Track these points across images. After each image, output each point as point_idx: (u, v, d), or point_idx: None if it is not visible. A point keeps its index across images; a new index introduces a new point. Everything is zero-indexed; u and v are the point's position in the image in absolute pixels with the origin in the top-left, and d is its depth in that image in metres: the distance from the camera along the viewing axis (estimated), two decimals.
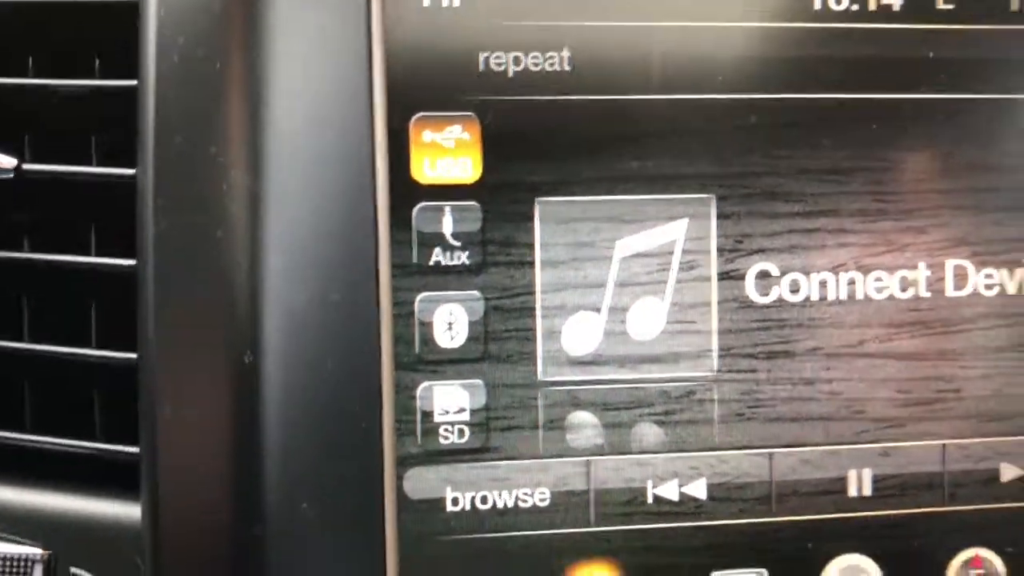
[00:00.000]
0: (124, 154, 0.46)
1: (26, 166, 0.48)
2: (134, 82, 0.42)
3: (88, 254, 0.48)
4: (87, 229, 0.49)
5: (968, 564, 0.49)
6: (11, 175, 0.46)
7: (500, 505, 0.45)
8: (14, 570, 0.42)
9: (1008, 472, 0.49)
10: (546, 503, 0.46)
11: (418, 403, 0.44)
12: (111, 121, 0.47)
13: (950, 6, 0.46)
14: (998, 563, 0.48)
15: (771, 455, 0.47)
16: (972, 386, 0.48)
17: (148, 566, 0.42)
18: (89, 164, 0.48)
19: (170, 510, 0.42)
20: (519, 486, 0.45)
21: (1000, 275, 0.48)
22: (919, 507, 0.48)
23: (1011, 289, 0.48)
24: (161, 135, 0.41)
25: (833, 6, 0.46)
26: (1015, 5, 0.47)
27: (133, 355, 0.43)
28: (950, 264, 0.47)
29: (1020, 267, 0.48)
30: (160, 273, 0.42)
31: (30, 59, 0.51)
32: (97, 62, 0.50)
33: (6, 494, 0.46)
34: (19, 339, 0.50)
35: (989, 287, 0.48)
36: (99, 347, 0.47)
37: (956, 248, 0.47)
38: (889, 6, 0.46)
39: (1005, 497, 0.49)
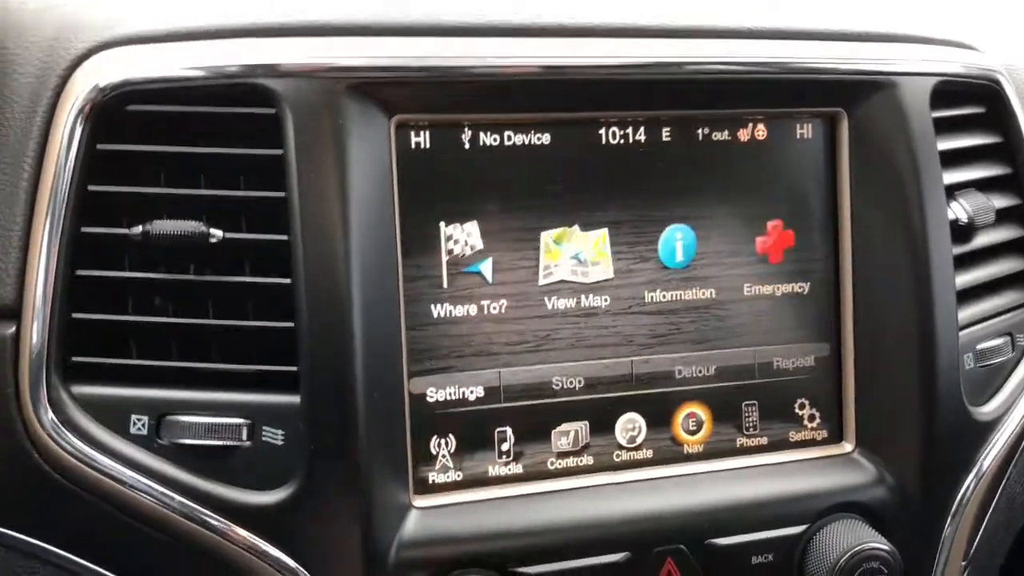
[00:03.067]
0: (272, 224, 0.76)
1: (225, 234, 0.76)
2: (282, 193, 0.75)
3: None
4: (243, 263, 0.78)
5: (687, 416, 0.88)
6: (218, 239, 0.75)
7: (457, 397, 0.82)
8: (232, 432, 0.74)
9: (712, 369, 0.88)
10: (481, 394, 0.83)
11: (415, 346, 0.81)
12: (258, 213, 0.78)
13: (673, 135, 0.90)
14: (703, 414, 0.88)
15: (587, 365, 0.85)
16: (686, 327, 0.87)
17: (305, 426, 0.74)
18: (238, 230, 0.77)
19: (315, 398, 0.74)
20: (466, 385, 0.82)
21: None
22: (662, 387, 0.87)
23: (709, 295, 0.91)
24: (303, 221, 0.74)
25: (611, 140, 0.85)
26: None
27: (291, 324, 0.75)
28: None
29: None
30: (308, 288, 0.74)
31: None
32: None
33: (221, 395, 0.75)
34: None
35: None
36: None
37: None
38: (640, 141, 0.85)
39: (709, 381, 0.88)
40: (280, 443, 0.76)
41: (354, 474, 0.76)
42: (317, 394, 0.75)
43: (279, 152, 0.76)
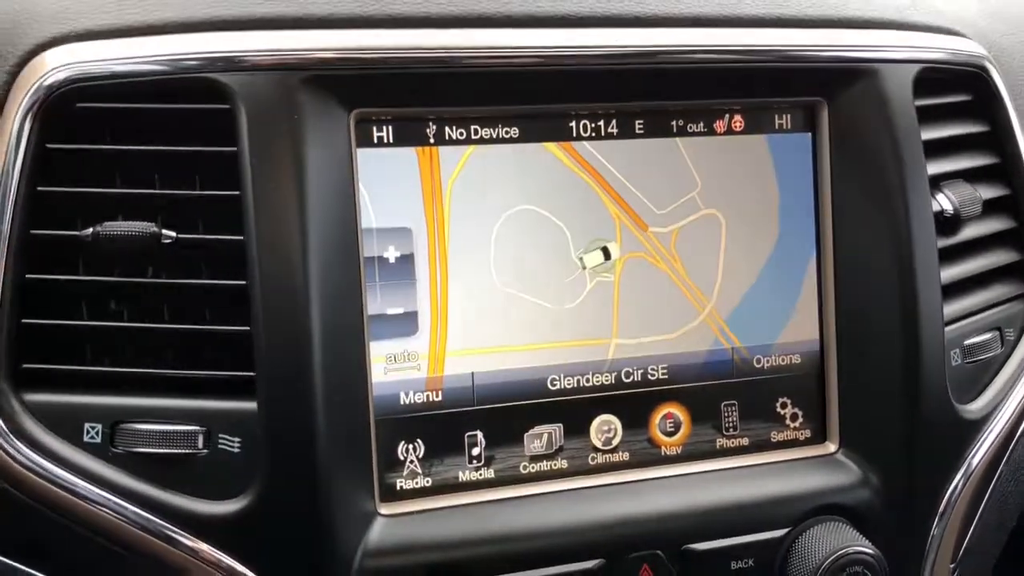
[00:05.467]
0: (228, 224, 0.73)
1: (179, 235, 0.73)
2: (237, 192, 0.72)
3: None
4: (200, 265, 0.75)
5: (665, 416, 0.86)
6: (172, 240, 0.73)
7: (426, 400, 0.80)
8: (187, 439, 0.72)
9: (690, 368, 0.85)
10: (451, 396, 0.80)
11: (379, 348, 0.79)
12: (213, 213, 0.75)
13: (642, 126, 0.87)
14: (681, 414, 0.86)
15: (560, 365, 0.82)
16: (663, 325, 0.84)
17: (263, 433, 0.72)
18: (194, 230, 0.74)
19: (272, 404, 0.72)
20: (434, 388, 0.80)
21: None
22: (638, 388, 0.84)
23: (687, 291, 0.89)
24: (258, 220, 0.71)
25: (582, 132, 0.83)
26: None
27: (246, 327, 0.72)
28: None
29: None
30: (263, 289, 0.71)
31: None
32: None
33: (176, 402, 0.73)
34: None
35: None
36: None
37: None
38: (612, 134, 0.82)
39: (687, 380, 0.85)
40: (237, 451, 0.73)
41: (314, 482, 0.73)
42: (274, 400, 0.73)
43: (233, 149, 0.74)
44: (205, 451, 0.74)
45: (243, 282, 0.74)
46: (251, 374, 0.74)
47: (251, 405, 0.74)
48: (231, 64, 0.73)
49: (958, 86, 0.95)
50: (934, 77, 0.91)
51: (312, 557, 0.74)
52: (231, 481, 0.73)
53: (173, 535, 0.73)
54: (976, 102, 0.96)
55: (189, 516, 0.73)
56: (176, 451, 0.73)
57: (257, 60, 0.74)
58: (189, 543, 0.73)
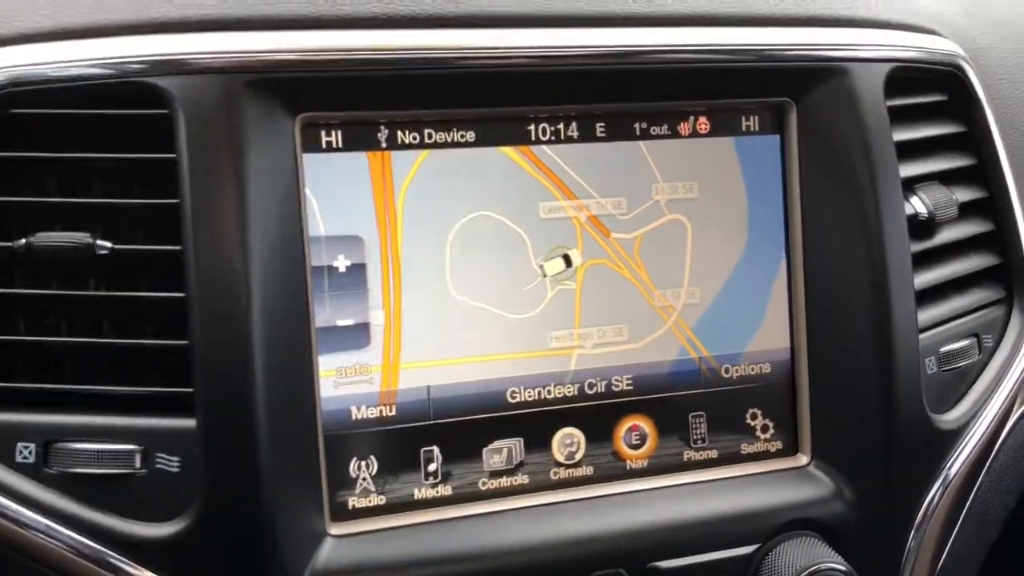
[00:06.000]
0: (166, 234, 0.70)
1: (115, 245, 0.70)
2: (176, 200, 0.69)
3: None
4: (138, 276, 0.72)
5: (630, 429, 0.83)
6: (108, 251, 0.70)
7: (378, 415, 0.76)
8: (124, 459, 0.69)
9: (656, 378, 0.82)
10: (406, 411, 0.77)
11: (329, 361, 0.76)
12: (154, 222, 0.72)
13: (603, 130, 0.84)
14: (646, 427, 0.83)
15: (520, 377, 0.79)
16: (627, 334, 0.82)
17: (202, 452, 0.69)
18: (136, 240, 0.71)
19: (211, 421, 0.69)
20: (387, 403, 0.77)
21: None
22: (602, 399, 0.81)
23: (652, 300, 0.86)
24: (196, 229, 0.68)
25: (541, 136, 0.79)
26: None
27: (185, 341, 0.69)
28: None
29: None
30: (201, 302, 0.68)
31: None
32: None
33: (113, 420, 0.70)
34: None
35: None
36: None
37: None
38: (572, 137, 0.81)
39: (653, 391, 0.83)
40: (176, 470, 0.70)
41: (257, 502, 0.70)
42: (214, 417, 0.70)
43: (172, 156, 0.71)
44: (143, 471, 0.70)
45: (182, 294, 0.71)
46: (190, 390, 0.71)
47: (190, 423, 0.70)
48: (170, 67, 0.70)
49: (933, 86, 0.92)
50: (907, 76, 0.88)
51: None
52: (170, 502, 0.70)
53: (110, 559, 0.70)
54: (952, 102, 0.93)
55: (126, 539, 0.70)
56: (113, 471, 0.70)
57: (196, 63, 0.71)
58: (127, 568, 0.70)
